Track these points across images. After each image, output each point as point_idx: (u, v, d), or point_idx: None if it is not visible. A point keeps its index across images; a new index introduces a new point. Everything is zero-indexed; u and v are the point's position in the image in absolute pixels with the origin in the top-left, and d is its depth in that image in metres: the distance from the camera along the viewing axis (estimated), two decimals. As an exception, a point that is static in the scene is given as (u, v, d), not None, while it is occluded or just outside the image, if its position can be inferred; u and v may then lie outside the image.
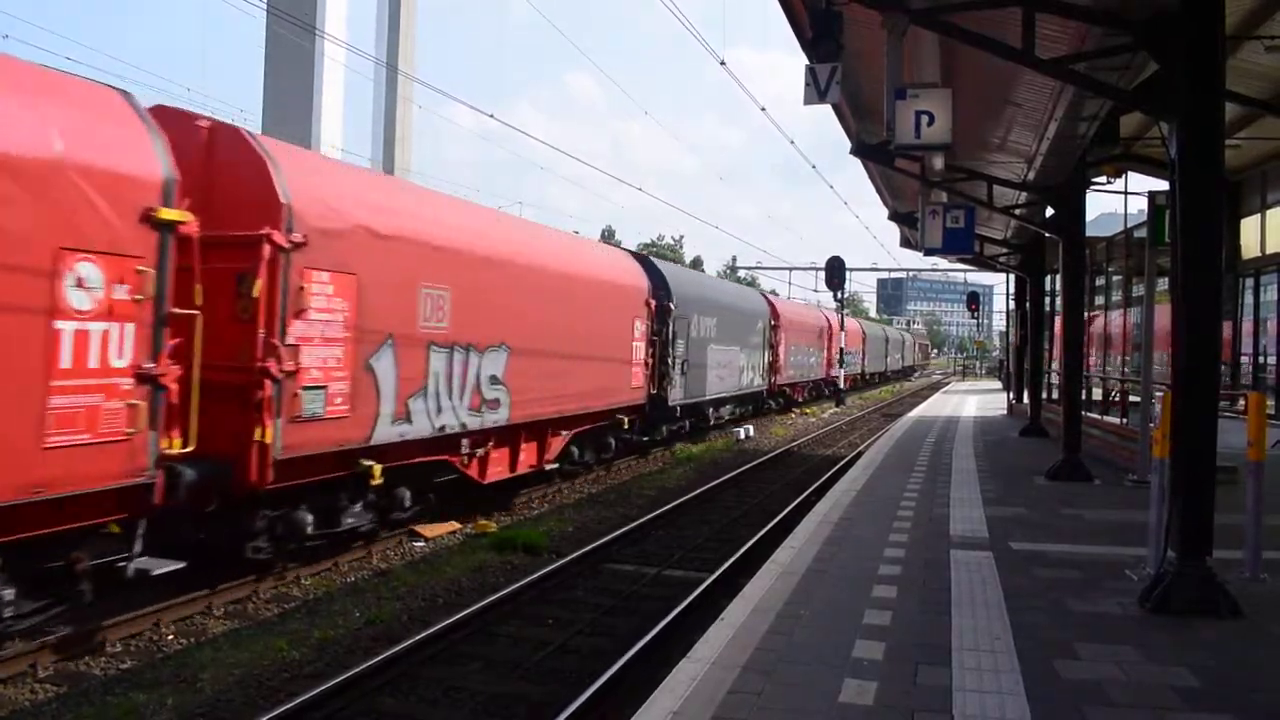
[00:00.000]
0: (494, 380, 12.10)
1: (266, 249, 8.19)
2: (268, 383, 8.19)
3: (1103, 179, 14.02)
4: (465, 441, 11.66)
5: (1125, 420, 15.14)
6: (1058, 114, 10.46)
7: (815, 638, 5.65)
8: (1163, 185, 12.34)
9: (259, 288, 8.15)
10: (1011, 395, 28.21)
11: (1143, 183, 22.25)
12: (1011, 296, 28.93)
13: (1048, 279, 21.46)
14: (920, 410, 29.81)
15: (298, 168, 9.02)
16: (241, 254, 8.17)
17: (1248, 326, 18.62)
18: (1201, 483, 6.26)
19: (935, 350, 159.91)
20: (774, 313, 29.80)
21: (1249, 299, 18.54)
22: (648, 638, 7.40)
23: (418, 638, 7.40)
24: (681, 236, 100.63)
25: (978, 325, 69.88)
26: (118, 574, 6.96)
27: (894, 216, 20.68)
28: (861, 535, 8.79)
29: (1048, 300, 21.77)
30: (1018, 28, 7.51)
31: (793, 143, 25.70)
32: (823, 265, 40.18)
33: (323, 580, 9.60)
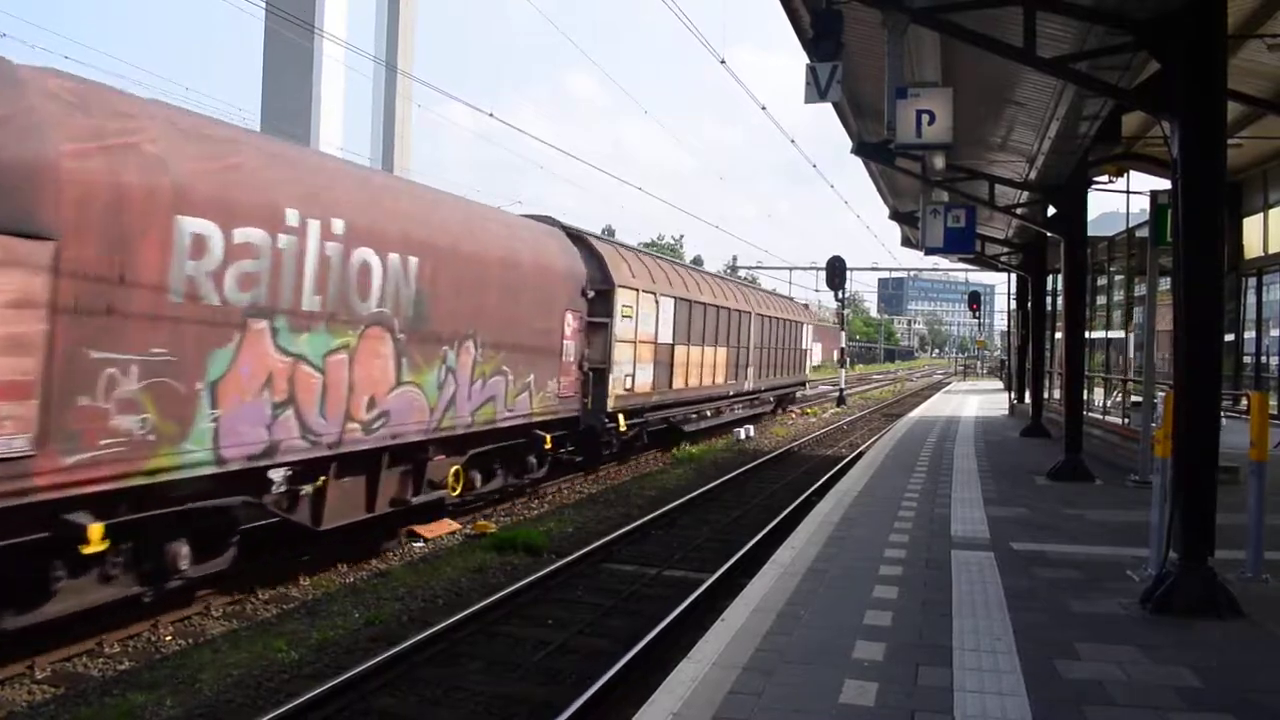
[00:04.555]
0: None
1: None
2: None
3: (1104, 178, 14.00)
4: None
5: (1127, 420, 15.10)
6: (1059, 113, 10.45)
7: (816, 638, 5.63)
8: (1165, 184, 12.30)
9: None
10: (1013, 395, 28.19)
11: (1145, 182, 22.20)
12: (1013, 296, 28.91)
13: (1049, 278, 21.42)
14: (921, 410, 29.77)
15: None
16: None
17: (1250, 326, 18.59)
18: (1203, 483, 6.25)
19: (934, 346, 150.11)
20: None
21: (1251, 298, 18.50)
22: (648, 638, 7.38)
23: (417, 638, 7.37)
24: (681, 236, 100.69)
25: (979, 325, 69.81)
26: None
27: (895, 216, 20.66)
28: (862, 536, 8.77)
29: (1049, 300, 21.74)
30: (1019, 26, 7.49)
31: (793, 142, 25.39)
32: (823, 265, 40.24)
33: (322, 581, 9.58)
